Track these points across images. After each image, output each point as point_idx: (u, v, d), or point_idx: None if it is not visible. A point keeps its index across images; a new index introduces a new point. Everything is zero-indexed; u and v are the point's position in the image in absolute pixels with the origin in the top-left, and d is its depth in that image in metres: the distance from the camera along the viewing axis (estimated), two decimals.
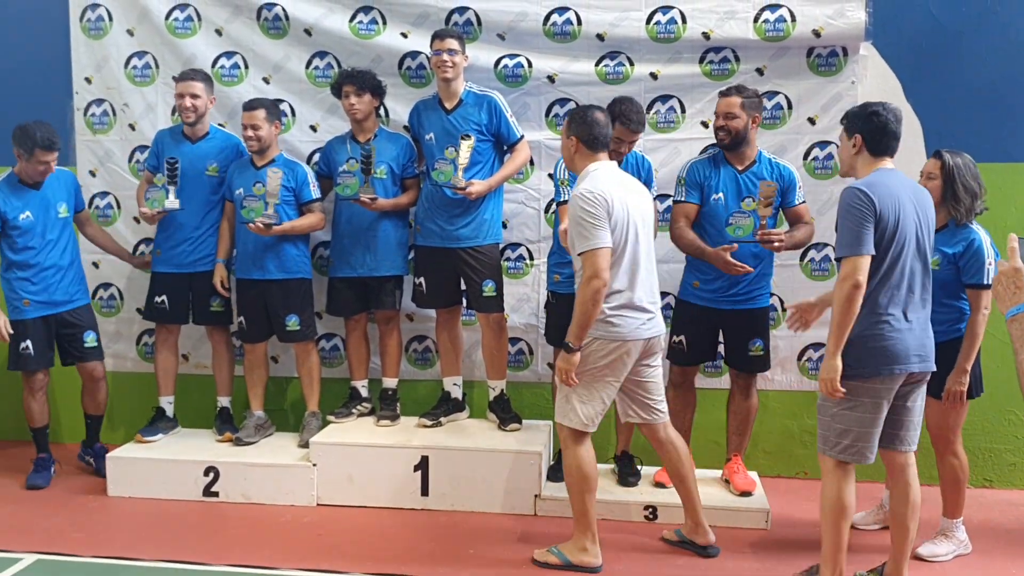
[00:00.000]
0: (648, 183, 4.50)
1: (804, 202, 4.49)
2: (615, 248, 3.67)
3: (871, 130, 3.41)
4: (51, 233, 4.86)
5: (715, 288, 4.43)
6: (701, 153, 4.61)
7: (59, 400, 5.42)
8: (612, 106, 4.31)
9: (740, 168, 4.40)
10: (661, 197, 4.72)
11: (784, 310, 4.98)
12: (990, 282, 3.73)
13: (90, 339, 4.99)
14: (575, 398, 3.79)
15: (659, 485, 4.56)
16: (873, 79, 4.87)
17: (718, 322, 4.50)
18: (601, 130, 3.82)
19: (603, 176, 3.76)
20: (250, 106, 4.83)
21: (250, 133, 4.78)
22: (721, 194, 4.40)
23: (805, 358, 5.03)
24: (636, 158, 4.56)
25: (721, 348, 4.65)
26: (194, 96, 4.87)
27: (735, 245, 4.28)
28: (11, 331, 4.77)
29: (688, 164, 4.56)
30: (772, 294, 4.95)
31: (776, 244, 4.24)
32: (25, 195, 4.82)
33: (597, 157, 3.83)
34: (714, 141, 4.52)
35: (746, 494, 4.48)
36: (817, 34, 4.79)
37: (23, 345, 4.83)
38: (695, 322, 4.51)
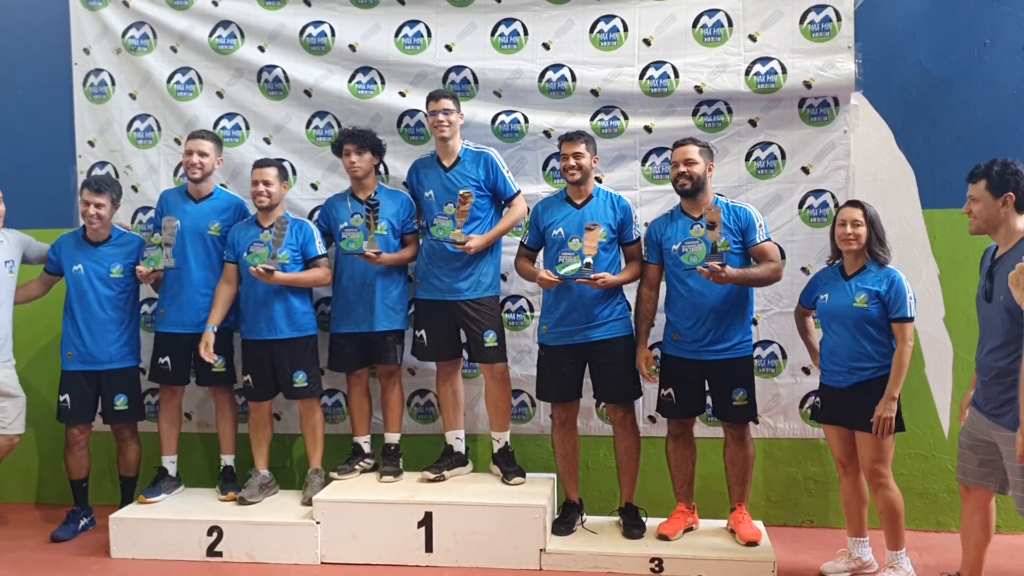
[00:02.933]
0: (626, 223, 4.56)
1: (768, 240, 4.46)
2: None
3: (1022, 187, 3.51)
4: (101, 291, 4.92)
5: (694, 339, 4.43)
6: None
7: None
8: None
9: (697, 216, 4.41)
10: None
11: (784, 356, 5.01)
12: (913, 315, 4.04)
13: (120, 402, 4.98)
14: None
15: (663, 537, 4.53)
16: (865, 128, 4.95)
17: (703, 373, 4.50)
18: None
19: None
20: (264, 163, 4.91)
21: (261, 188, 4.81)
22: (679, 244, 4.41)
23: (807, 406, 5.02)
24: (612, 199, 4.59)
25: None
26: (202, 154, 4.93)
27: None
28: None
29: (651, 223, 4.63)
30: (771, 341, 5.00)
31: (722, 275, 4.18)
32: (84, 249, 4.96)
33: None
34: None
35: (752, 544, 4.45)
36: (808, 85, 4.88)
37: (62, 398, 4.92)
38: (680, 374, 4.51)
